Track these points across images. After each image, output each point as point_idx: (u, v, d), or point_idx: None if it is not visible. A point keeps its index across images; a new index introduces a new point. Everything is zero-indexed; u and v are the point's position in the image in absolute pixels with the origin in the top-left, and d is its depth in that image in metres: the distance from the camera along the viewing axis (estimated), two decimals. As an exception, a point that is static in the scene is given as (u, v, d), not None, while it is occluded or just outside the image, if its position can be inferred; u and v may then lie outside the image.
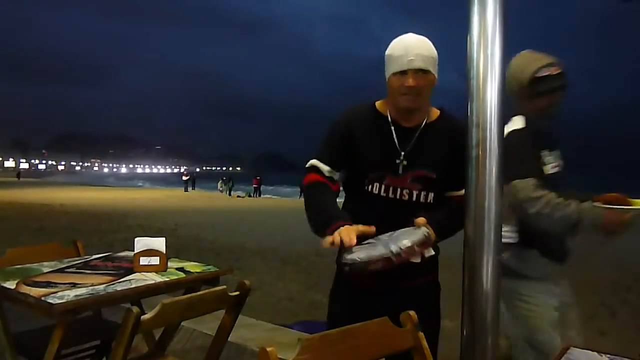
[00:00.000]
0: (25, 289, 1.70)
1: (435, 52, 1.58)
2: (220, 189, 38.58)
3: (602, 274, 7.96)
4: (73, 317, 1.58)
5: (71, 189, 38.09)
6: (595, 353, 1.16)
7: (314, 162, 1.67)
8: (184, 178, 40.07)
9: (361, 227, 1.47)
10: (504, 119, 1.42)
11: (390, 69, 1.59)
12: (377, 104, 1.70)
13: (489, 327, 1.44)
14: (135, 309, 1.37)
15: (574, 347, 1.21)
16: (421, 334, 1.29)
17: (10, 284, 1.76)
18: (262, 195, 35.34)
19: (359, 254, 1.40)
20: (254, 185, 36.03)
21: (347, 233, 1.42)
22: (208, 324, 3.32)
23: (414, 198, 1.63)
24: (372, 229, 1.48)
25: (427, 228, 1.49)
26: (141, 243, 1.98)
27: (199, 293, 1.62)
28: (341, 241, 1.40)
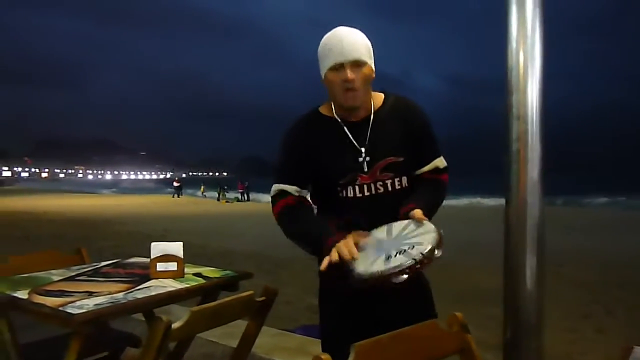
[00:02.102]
0: (39, 299, 1.61)
1: (369, 42, 1.53)
2: (204, 194, 38.40)
3: (591, 274, 8.00)
4: (93, 328, 1.49)
5: (54, 196, 37.46)
6: (660, 352, 1.12)
7: (278, 187, 1.60)
8: (175, 184, 40.28)
9: (355, 236, 1.43)
10: (546, 111, 1.37)
11: (325, 65, 1.51)
12: (321, 109, 1.63)
13: (533, 330, 1.39)
14: (165, 317, 1.29)
15: (638, 346, 1.16)
16: (470, 336, 1.24)
17: (22, 294, 1.66)
18: (250, 200, 35.20)
19: (376, 267, 1.30)
20: (240, 190, 36.17)
21: (345, 246, 1.37)
22: (212, 331, 3.23)
23: (389, 187, 1.58)
24: (367, 235, 1.45)
25: (434, 225, 1.39)
26: (158, 248, 1.89)
27: (226, 299, 1.54)
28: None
